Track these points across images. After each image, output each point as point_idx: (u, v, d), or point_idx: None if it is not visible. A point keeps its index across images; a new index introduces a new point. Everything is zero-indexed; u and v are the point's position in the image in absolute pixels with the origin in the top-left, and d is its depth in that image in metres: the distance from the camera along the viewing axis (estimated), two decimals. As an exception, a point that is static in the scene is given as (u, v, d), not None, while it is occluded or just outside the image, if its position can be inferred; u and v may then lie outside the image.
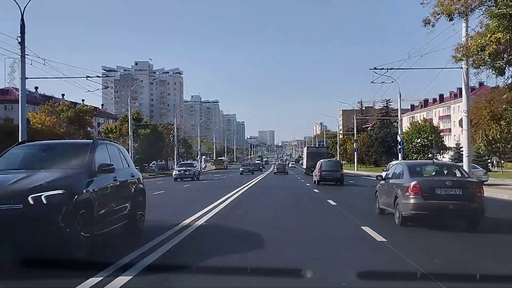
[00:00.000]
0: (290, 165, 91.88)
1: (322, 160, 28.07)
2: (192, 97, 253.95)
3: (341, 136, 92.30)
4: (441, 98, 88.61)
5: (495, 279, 5.19)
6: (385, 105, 73.33)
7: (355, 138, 58.83)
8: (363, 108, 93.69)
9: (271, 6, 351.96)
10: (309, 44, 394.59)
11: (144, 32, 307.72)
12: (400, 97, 40.10)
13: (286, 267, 5.73)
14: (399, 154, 40.44)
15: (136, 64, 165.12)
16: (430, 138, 60.17)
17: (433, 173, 9.86)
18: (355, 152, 58.06)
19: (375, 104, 77.46)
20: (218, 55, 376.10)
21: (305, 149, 53.79)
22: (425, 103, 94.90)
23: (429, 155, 60.49)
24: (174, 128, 61.78)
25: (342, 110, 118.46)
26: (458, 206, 8.66)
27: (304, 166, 48.69)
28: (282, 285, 5.18)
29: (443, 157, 63.05)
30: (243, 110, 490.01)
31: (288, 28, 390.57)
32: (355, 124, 60.52)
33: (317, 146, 71.47)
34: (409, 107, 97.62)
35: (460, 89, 73.13)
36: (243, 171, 51.44)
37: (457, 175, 9.86)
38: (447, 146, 61.47)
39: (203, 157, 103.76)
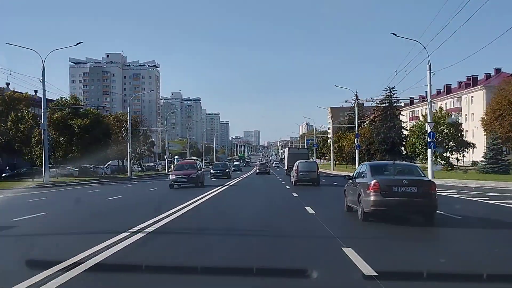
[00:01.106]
0: (274, 165, 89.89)
1: (299, 161, 27.66)
2: (172, 94, 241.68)
3: (330, 136, 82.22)
4: (448, 88, 77.39)
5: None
6: (388, 93, 61.48)
7: (356, 132, 46.78)
8: (359, 100, 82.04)
9: (257, 2, 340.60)
10: (295, 44, 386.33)
11: (117, 21, 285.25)
12: (430, 69, 28.10)
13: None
14: (429, 151, 28.55)
15: (108, 56, 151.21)
16: (448, 131, 48.62)
17: (393, 173, 10.19)
18: (357, 150, 46.07)
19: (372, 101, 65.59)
20: (200, 52, 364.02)
21: (286, 150, 53.25)
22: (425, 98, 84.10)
23: (447, 153, 48.98)
24: (128, 120, 48.56)
25: (331, 107, 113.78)
26: (413, 203, 9.45)
27: (285, 167, 46.63)
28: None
29: (464, 156, 51.59)
30: (228, 110, 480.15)
31: (276, 26, 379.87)
32: (356, 113, 48.47)
33: (299, 147, 74.52)
34: (408, 101, 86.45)
35: (475, 77, 61.64)
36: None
37: (415, 175, 10.26)
38: (468, 142, 49.73)
39: (176, 157, 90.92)
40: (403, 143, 60.79)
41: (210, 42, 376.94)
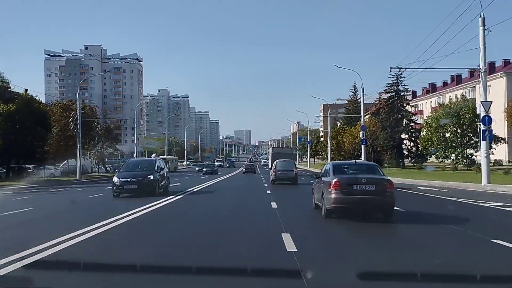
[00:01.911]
0: (262, 163, 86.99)
1: (277, 161, 28.55)
2: (159, 91, 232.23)
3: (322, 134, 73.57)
4: (457, 79, 68.57)
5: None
6: (394, 81, 52.52)
7: (362, 124, 37.76)
8: (357, 93, 73.18)
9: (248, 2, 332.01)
10: (290, 42, 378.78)
11: (97, 10, 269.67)
12: (483, 25, 19.03)
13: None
14: (483, 143, 19.53)
15: (86, 48, 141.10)
16: (469, 123, 39.81)
17: (354, 172, 10.66)
18: (362, 145, 37.04)
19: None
20: (189, 48, 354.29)
21: (270, 150, 54.60)
22: (433, 88, 75.27)
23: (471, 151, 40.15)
24: (77, 107, 38.71)
25: (323, 104, 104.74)
26: (371, 200, 9.87)
27: (270, 166, 46.20)
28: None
29: (492, 153, 42.60)
30: (219, 109, 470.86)
31: (270, 24, 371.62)
32: (362, 101, 39.47)
33: (282, 147, 77.21)
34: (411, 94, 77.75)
35: (492, 64, 52.50)
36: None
37: (374, 174, 10.66)
38: (499, 137, 40.85)
39: (153, 155, 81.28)
40: (413, 138, 51.93)
41: (200, 38, 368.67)
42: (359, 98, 71.85)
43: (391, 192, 10.00)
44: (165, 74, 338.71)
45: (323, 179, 11.12)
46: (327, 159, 52.62)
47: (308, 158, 74.38)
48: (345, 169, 11.07)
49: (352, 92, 73.76)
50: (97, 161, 45.75)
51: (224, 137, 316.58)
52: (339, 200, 9.90)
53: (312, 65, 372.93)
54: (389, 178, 10.62)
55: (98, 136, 45.86)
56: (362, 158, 38.77)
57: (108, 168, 59.46)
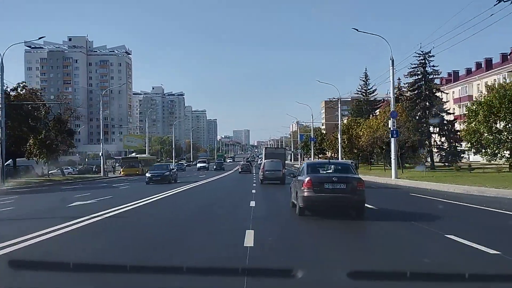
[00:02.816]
0: (259, 162, 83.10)
1: (265, 161, 29.84)
2: (153, 88, 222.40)
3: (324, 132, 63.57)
4: (488, 64, 58.34)
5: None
6: (421, 60, 42.30)
7: (392, 110, 27.64)
8: (368, 82, 63.09)
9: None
10: (288, 42, 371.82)
11: (84, 3, 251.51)
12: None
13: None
14: None
15: (70, 39, 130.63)
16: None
17: (328, 171, 11.11)
18: (393, 138, 26.95)
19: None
20: (188, 48, 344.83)
21: (263, 150, 55.81)
22: (455, 77, 65.25)
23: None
24: None
25: (325, 101, 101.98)
26: (342, 198, 10.06)
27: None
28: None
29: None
30: (218, 109, 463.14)
31: (268, 24, 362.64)
32: (392, 77, 29.19)
33: (275, 147, 76.95)
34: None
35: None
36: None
37: (346, 173, 10.89)
38: None
39: (133, 153, 71.02)
40: (444, 132, 41.73)
41: (199, 37, 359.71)
42: (372, 88, 62.37)
43: (362, 190, 10.21)
44: (163, 73, 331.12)
45: (299, 178, 11.29)
46: (338, 158, 42.43)
47: (312, 157, 64.27)
48: (319, 169, 11.37)
49: (363, 81, 63.67)
50: (44, 159, 35.38)
51: (223, 137, 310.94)
52: (311, 198, 10.12)
53: (312, 65, 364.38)
54: (360, 176, 10.90)
55: (47, 129, 35.53)
56: (392, 155, 28.45)
57: (71, 170, 49.73)
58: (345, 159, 40.99)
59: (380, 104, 62.74)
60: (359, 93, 63.56)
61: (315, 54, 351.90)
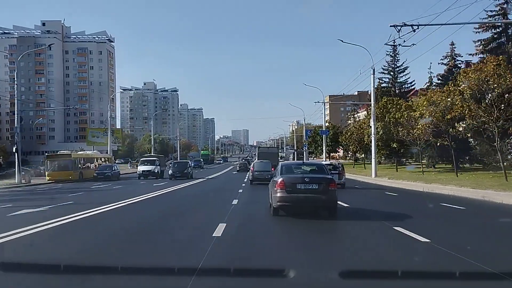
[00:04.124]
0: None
1: (254, 161, 31.00)
2: (144, 84, 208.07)
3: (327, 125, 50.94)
4: None
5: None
6: (503, 4, 27.33)
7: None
8: (397, 58, 48.21)
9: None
10: (284, 42, 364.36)
11: None
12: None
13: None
14: None
15: (44, 24, 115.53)
16: None
17: (301, 172, 11.22)
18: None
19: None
20: (187, 45, 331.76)
21: (256, 149, 54.30)
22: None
23: None
24: None
25: (329, 95, 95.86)
26: (313, 198, 10.22)
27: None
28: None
29: None
30: (216, 109, 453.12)
31: (268, 20, 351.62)
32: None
33: (268, 146, 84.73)
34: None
35: None
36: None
37: (320, 174, 11.07)
38: None
39: (80, 152, 55.96)
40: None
41: (199, 34, 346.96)
42: (402, 65, 47.05)
43: (333, 190, 10.34)
44: (162, 71, 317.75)
45: (274, 179, 11.48)
46: (366, 153, 27.45)
47: (323, 155, 49.27)
48: (294, 169, 11.49)
49: (391, 56, 48.27)
50: None
51: (221, 136, 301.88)
52: (283, 199, 10.28)
53: (312, 64, 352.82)
54: (332, 177, 10.97)
55: None
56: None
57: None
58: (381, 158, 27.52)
59: (413, 87, 47.96)
60: (386, 71, 48.46)
61: (315, 52, 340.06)
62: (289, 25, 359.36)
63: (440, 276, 5.48)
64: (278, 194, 10.25)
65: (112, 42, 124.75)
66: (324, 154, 48.59)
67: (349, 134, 43.58)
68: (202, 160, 79.77)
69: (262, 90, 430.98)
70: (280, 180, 10.38)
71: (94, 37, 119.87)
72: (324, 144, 48.43)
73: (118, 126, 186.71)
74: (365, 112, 49.18)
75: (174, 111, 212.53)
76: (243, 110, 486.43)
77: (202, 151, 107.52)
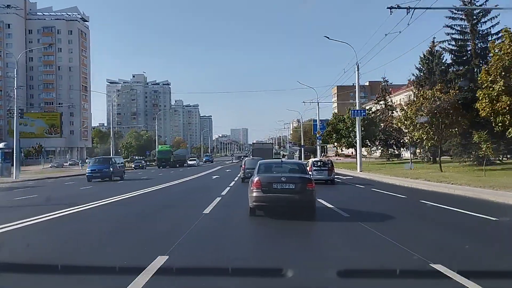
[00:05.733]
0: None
1: (246, 159, 29.63)
2: (133, 76, 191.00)
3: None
4: None
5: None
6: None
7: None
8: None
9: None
10: (282, 41, 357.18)
11: None
12: None
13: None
14: None
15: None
16: None
17: (278, 171, 10.93)
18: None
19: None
20: (186, 42, 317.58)
21: (251, 146, 54.75)
22: None
23: None
24: None
25: (337, 86, 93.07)
26: (290, 198, 9.93)
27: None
28: None
29: None
30: (216, 109, 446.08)
31: (266, 23, 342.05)
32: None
33: (263, 142, 78.39)
34: None
35: None
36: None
37: (297, 173, 10.80)
38: None
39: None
40: None
41: (199, 34, 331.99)
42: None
43: (311, 190, 10.10)
44: (160, 70, 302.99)
45: (252, 178, 11.22)
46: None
47: (358, 150, 30.47)
48: (270, 168, 11.25)
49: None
50: None
51: (220, 135, 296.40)
52: (259, 198, 10.08)
53: (312, 64, 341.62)
54: (309, 177, 10.76)
55: None
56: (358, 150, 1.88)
57: None
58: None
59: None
60: (457, 17, 30.30)
61: (315, 51, 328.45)
62: (289, 24, 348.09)
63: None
64: (254, 194, 10.11)
65: (86, 21, 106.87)
66: (359, 147, 29.86)
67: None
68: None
69: (261, 89, 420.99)
70: (256, 179, 10.26)
71: (63, 14, 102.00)
72: (358, 133, 29.73)
73: (104, 122, 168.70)
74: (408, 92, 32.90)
75: (166, 105, 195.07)
76: (243, 109, 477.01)
77: (160, 147, 74.90)
